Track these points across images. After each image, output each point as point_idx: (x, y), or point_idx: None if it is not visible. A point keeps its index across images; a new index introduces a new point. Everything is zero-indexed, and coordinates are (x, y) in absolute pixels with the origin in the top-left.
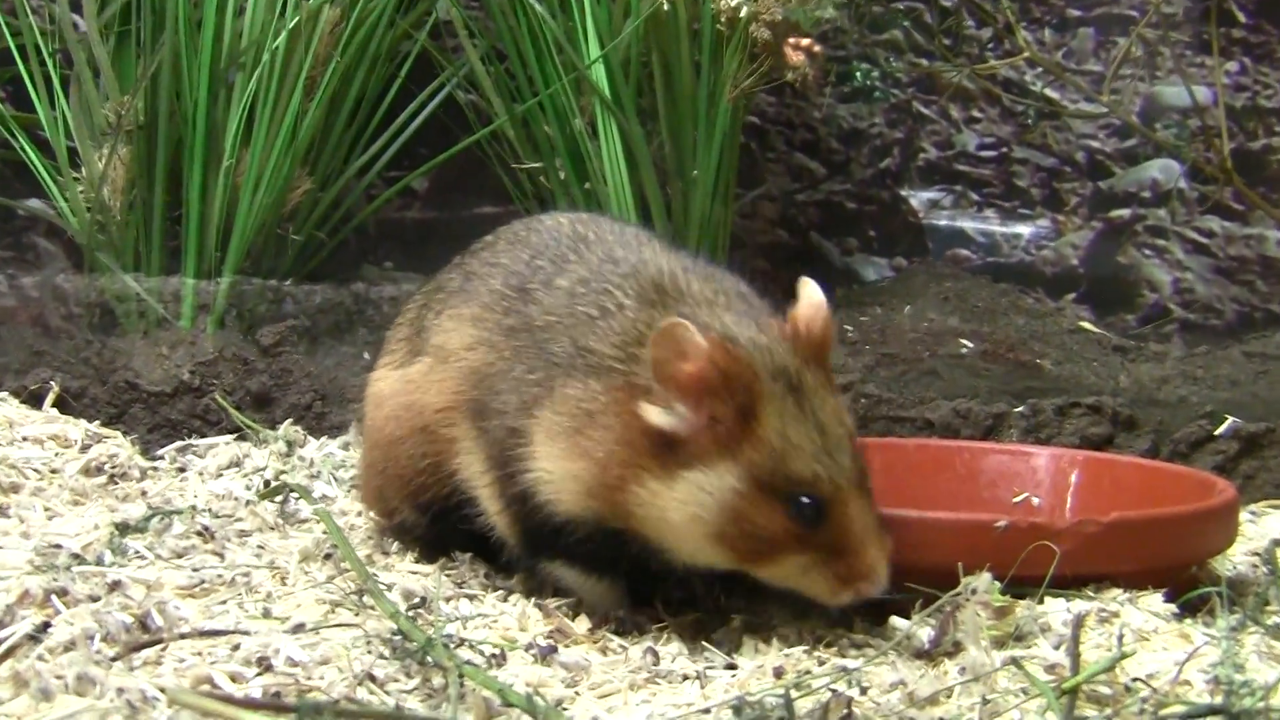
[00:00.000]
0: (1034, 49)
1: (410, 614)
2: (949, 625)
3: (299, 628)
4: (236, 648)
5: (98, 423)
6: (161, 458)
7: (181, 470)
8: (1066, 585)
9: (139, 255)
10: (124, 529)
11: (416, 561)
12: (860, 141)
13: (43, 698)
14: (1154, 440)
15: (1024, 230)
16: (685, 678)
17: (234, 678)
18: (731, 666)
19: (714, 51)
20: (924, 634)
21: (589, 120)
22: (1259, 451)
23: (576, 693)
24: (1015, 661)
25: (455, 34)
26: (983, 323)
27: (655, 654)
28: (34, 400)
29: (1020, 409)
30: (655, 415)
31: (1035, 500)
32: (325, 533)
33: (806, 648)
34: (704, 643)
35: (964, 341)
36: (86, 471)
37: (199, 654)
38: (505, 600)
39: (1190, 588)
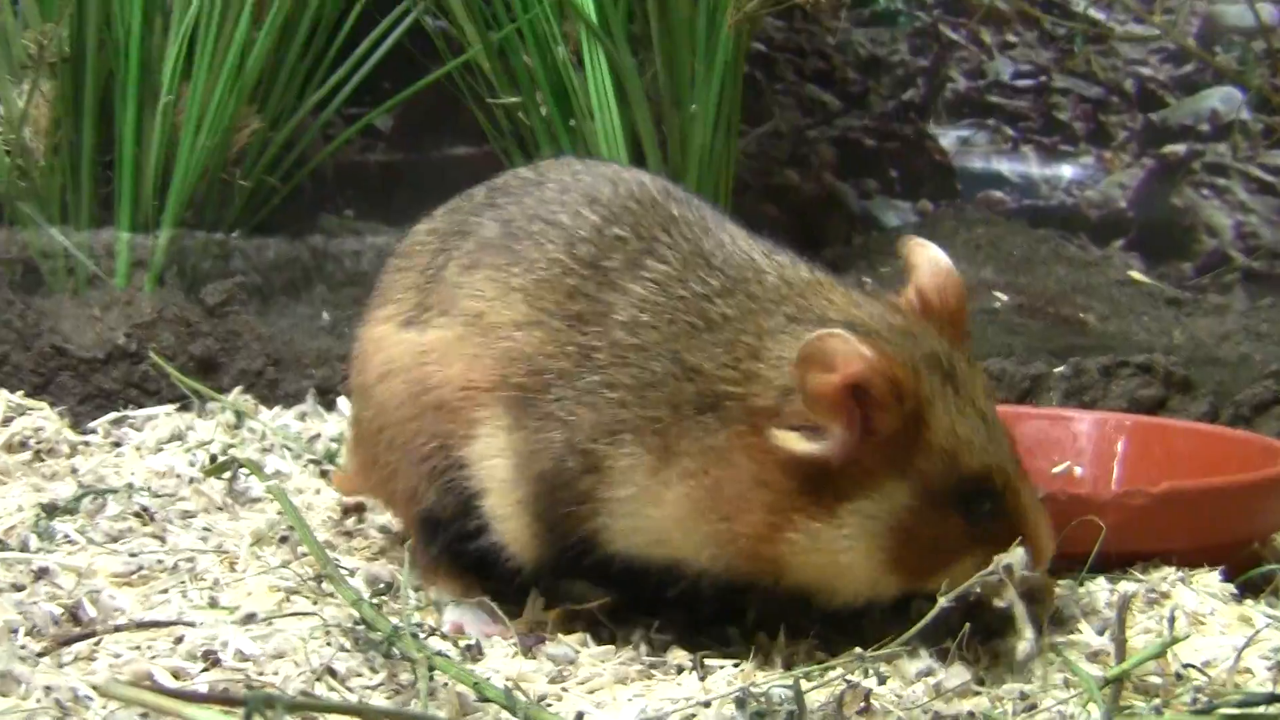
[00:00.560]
0: None
1: (375, 602)
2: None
3: (250, 618)
4: (179, 641)
5: (21, 393)
6: (94, 431)
7: (116, 445)
8: (1112, 564)
9: (66, 205)
10: (51, 510)
11: (379, 555)
12: (880, 71)
13: None
14: (1212, 403)
15: (1066, 169)
16: (682, 669)
17: (176, 674)
18: (736, 657)
19: None
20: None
21: (574, 49)
22: None
23: (564, 688)
24: (1055, 649)
25: None
26: (1019, 273)
27: (651, 644)
28: None
29: (1061, 369)
30: (799, 443)
31: (1078, 470)
32: (280, 513)
33: (819, 641)
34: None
35: (998, 294)
36: (9, 448)
37: (137, 648)
38: None
39: (1251, 566)
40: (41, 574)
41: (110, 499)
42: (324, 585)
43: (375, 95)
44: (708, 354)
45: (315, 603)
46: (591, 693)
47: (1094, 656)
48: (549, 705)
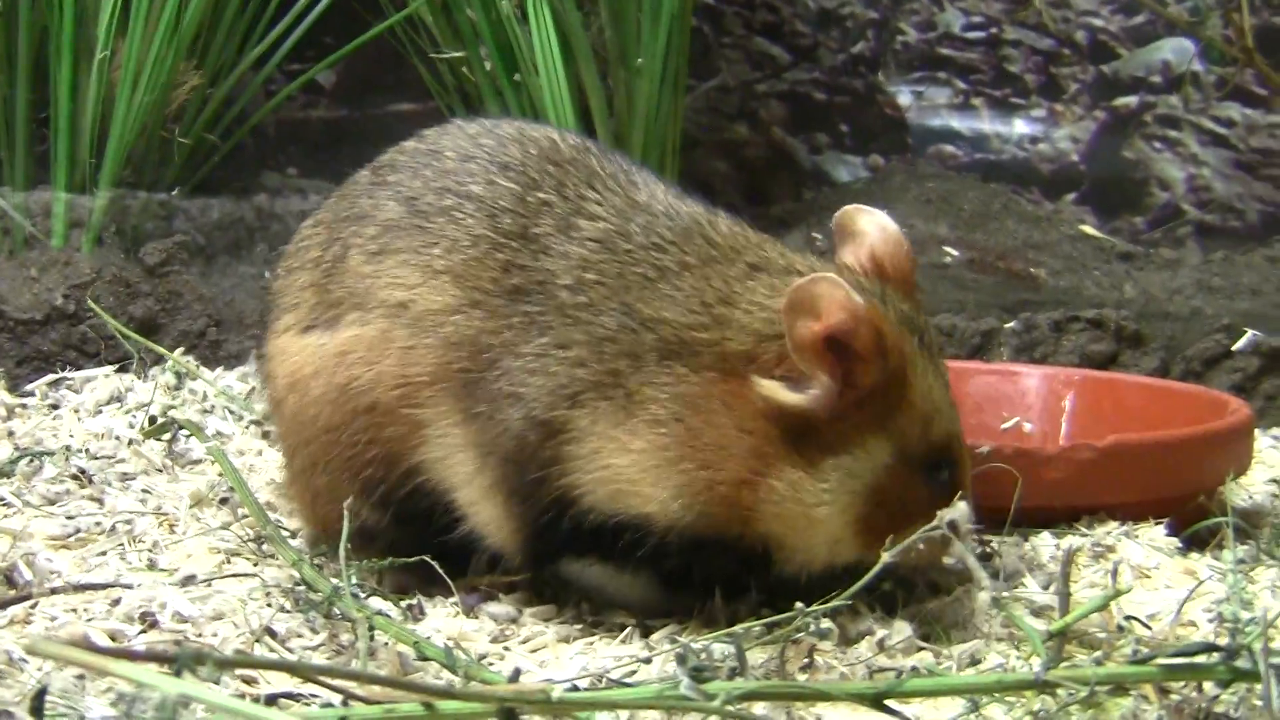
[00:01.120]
0: None
1: (316, 562)
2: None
3: (189, 579)
4: (116, 603)
5: None
6: (31, 393)
7: (54, 407)
8: (1059, 519)
9: (0, 165)
10: None
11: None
12: (830, 23)
13: None
14: (1163, 358)
15: (1017, 123)
16: (625, 628)
17: (114, 636)
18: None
19: None
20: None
21: (518, 3)
22: None
23: (506, 647)
24: (998, 603)
25: None
26: (971, 228)
27: (593, 603)
28: None
29: (1012, 324)
30: (784, 394)
31: (1027, 426)
32: (220, 474)
33: (764, 597)
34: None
35: (949, 249)
36: None
37: (74, 610)
38: None
39: (1197, 519)
40: None
41: (47, 461)
42: (265, 547)
43: (317, 50)
44: (668, 302)
45: (256, 564)
46: (534, 652)
47: (1039, 612)
48: (491, 664)
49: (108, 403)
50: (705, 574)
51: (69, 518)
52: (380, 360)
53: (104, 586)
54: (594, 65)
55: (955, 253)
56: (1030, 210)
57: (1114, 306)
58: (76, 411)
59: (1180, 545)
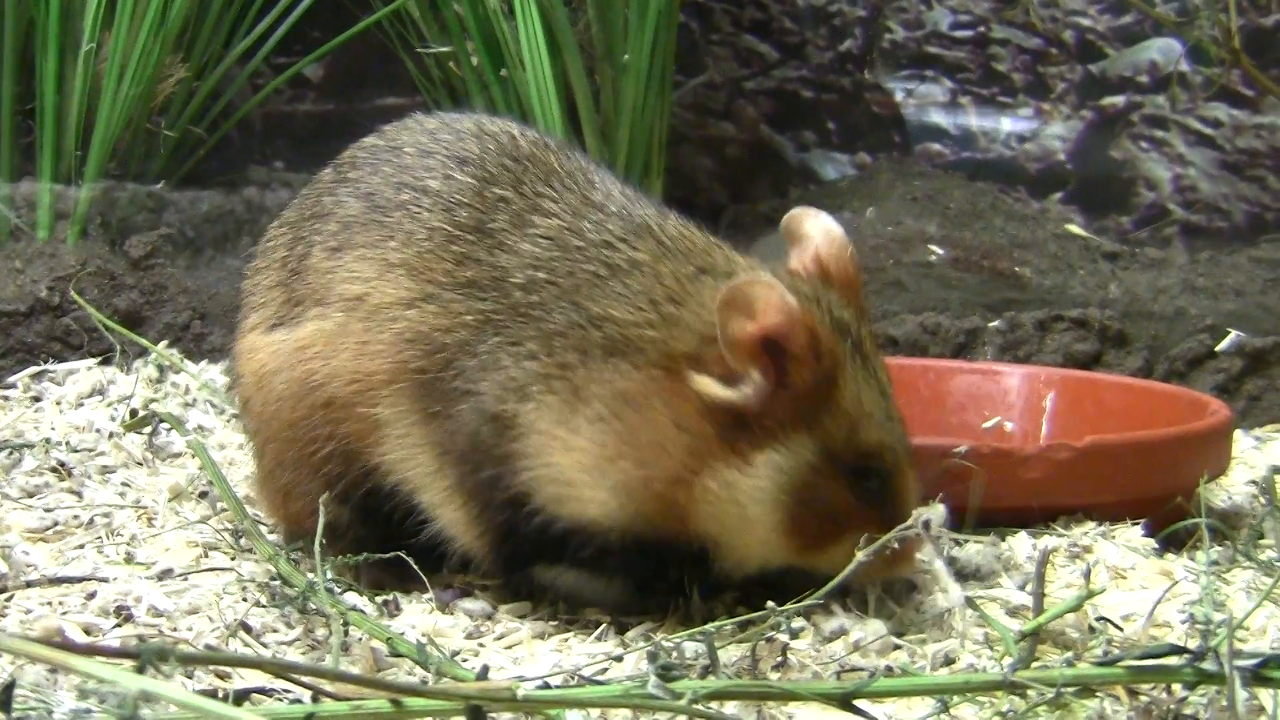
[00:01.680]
0: None
1: (293, 558)
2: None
3: (166, 574)
4: (92, 596)
5: None
6: (14, 386)
7: (36, 399)
8: (1036, 519)
9: None
10: None
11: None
12: (818, 20)
13: None
14: (1147, 358)
15: (1005, 122)
16: (599, 624)
17: (88, 629)
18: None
19: None
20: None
21: None
22: (1265, 369)
23: (480, 644)
24: (972, 603)
25: None
26: (956, 227)
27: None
28: None
29: (996, 323)
30: (717, 388)
31: (1008, 425)
32: (200, 468)
33: (739, 594)
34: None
35: (934, 248)
36: None
37: (49, 604)
38: None
39: (1175, 520)
40: None
41: (27, 454)
42: (242, 541)
43: (304, 43)
44: (616, 300)
45: (233, 558)
46: (509, 648)
47: (1014, 612)
48: (465, 661)
49: (89, 395)
50: (673, 577)
51: (47, 510)
52: (337, 354)
53: (80, 580)
54: (580, 61)
55: (940, 251)
56: (1017, 209)
57: (1099, 306)
58: (58, 404)
59: (1157, 546)
